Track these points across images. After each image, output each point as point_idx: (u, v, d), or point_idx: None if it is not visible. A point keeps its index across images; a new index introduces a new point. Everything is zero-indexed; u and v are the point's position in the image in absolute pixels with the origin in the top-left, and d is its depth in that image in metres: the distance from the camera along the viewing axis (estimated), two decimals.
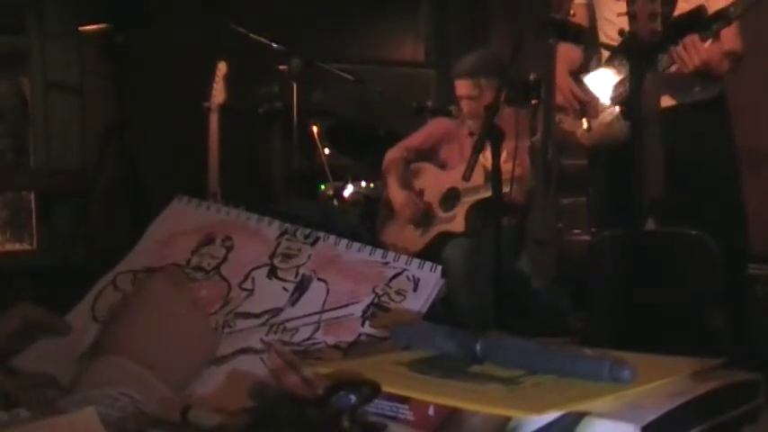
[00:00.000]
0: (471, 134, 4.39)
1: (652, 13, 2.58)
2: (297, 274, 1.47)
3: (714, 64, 3.11)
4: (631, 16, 2.60)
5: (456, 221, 4.43)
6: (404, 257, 1.50)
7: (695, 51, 3.04)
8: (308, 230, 1.54)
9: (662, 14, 2.99)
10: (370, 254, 1.50)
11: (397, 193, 4.66)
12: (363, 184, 5.27)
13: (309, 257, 1.50)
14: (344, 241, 1.53)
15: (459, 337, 1.08)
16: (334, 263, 1.49)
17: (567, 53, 3.53)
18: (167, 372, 1.08)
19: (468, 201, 4.37)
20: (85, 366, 1.09)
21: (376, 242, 4.64)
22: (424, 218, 4.58)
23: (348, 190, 5.25)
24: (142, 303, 1.18)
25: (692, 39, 3.03)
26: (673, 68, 3.18)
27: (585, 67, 3.62)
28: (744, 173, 3.63)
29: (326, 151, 5.35)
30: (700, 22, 2.75)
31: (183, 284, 1.29)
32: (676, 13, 3.07)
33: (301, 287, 1.45)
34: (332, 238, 1.53)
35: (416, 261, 1.49)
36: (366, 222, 5.05)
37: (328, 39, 6.17)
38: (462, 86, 4.45)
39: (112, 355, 1.08)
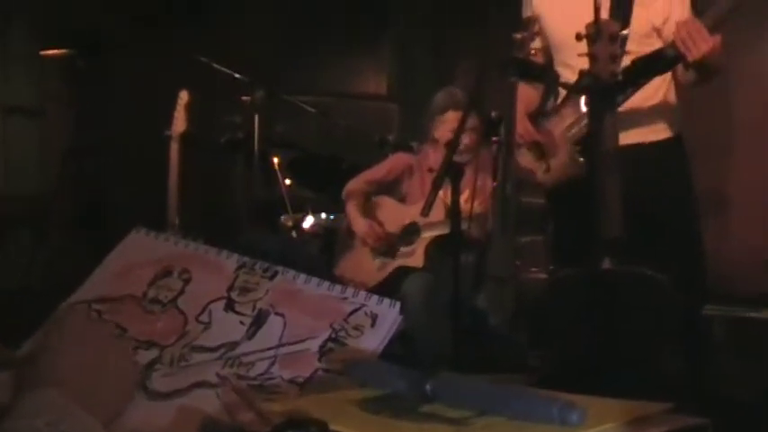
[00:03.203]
0: (431, 170, 4.40)
1: (612, 55, 2.61)
2: (254, 308, 1.47)
3: (716, 56, 3.09)
4: (592, 57, 2.62)
5: (415, 256, 4.43)
6: (362, 293, 1.50)
7: (702, 39, 3.00)
8: (266, 264, 1.54)
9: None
10: (329, 289, 1.50)
11: (359, 222, 4.66)
12: (324, 216, 5.26)
13: (267, 292, 1.49)
14: (303, 276, 1.53)
15: (412, 376, 1.08)
16: (293, 297, 1.48)
17: (524, 94, 3.55)
18: (93, 403, 1.08)
19: (427, 236, 4.38)
20: (17, 398, 1.09)
21: (334, 275, 4.65)
22: (387, 247, 4.58)
23: (308, 222, 5.24)
24: (65, 336, 1.18)
25: (697, 26, 3.02)
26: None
27: (543, 108, 3.65)
28: (702, 214, 3.66)
29: (288, 182, 5.34)
30: (660, 64, 2.78)
31: (103, 320, 1.29)
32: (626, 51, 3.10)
33: (258, 321, 1.45)
34: (290, 272, 1.53)
35: (375, 297, 1.49)
36: (325, 254, 5.04)
37: (292, 71, 6.19)
38: (453, 120, 4.41)
39: (40, 387, 1.08)
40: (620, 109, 3.19)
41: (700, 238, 3.54)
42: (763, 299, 4.83)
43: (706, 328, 4.45)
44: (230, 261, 1.55)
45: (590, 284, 2.70)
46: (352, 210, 4.72)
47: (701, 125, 4.47)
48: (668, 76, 3.37)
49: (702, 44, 3.00)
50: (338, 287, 1.50)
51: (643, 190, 3.24)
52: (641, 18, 3.35)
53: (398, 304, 1.48)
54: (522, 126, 3.54)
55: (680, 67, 3.16)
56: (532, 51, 3.15)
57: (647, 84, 3.25)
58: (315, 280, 1.52)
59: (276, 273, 1.53)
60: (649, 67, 2.87)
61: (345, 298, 1.48)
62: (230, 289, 1.50)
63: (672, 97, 3.49)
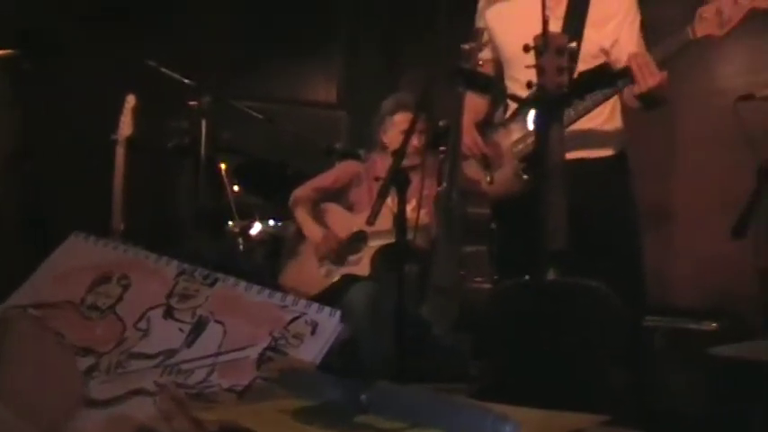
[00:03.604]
0: (377, 179, 4.41)
1: (559, 68, 2.62)
2: (194, 315, 1.46)
3: (663, 89, 3.16)
4: (539, 69, 2.63)
5: (361, 264, 4.44)
6: (303, 301, 1.49)
7: (650, 73, 3.07)
8: (206, 271, 1.53)
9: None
10: (269, 296, 1.49)
11: (314, 229, 4.66)
12: (271, 222, 5.24)
13: (207, 299, 1.48)
14: (244, 283, 1.52)
15: (347, 386, 1.08)
16: (233, 305, 1.47)
17: (473, 104, 3.57)
18: (36, 415, 1.06)
19: (374, 244, 4.38)
20: None
21: (278, 283, 4.64)
22: (338, 256, 4.58)
23: (255, 228, 5.22)
24: (7, 347, 1.16)
25: (647, 60, 3.08)
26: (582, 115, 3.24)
27: (491, 119, 3.67)
28: (644, 227, 3.70)
29: (236, 188, 5.32)
30: (605, 77, 2.81)
31: (46, 327, 1.27)
32: (579, 68, 3.15)
33: (198, 329, 1.44)
34: (231, 279, 1.52)
35: (315, 305, 1.48)
36: (272, 261, 5.02)
37: (241, 76, 6.16)
38: (404, 121, 4.45)
39: None
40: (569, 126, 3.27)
41: (641, 251, 3.58)
42: (704, 311, 4.90)
43: (647, 340, 4.50)
44: (170, 267, 1.54)
45: (534, 295, 2.71)
46: (304, 216, 4.71)
47: (647, 142, 4.52)
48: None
49: (650, 78, 3.07)
50: (279, 295, 1.50)
51: (587, 204, 3.27)
52: (591, 39, 3.40)
53: (338, 313, 1.48)
54: (470, 136, 3.56)
55: (627, 90, 3.20)
56: (480, 62, 3.16)
57: (602, 102, 3.30)
58: (255, 287, 1.51)
59: (216, 280, 1.52)
60: (595, 80, 2.89)
61: (286, 306, 1.48)
62: (170, 296, 1.49)
63: (617, 116, 3.54)
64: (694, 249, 5.24)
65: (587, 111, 3.29)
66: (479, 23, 3.64)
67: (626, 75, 2.92)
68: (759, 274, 3.27)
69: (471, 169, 3.57)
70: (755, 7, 2.99)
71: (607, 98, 3.28)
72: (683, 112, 5.21)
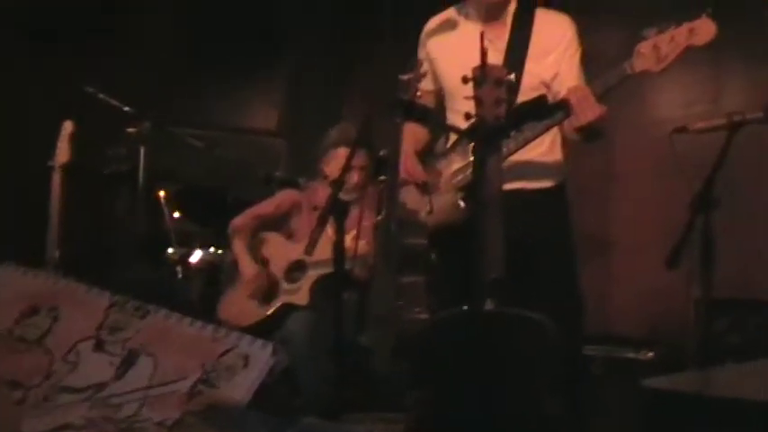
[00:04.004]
0: (316, 208, 4.40)
1: (498, 99, 2.64)
2: (124, 348, 1.44)
3: (605, 121, 3.20)
4: (477, 100, 2.65)
5: (300, 294, 4.41)
6: (235, 333, 1.48)
7: (589, 107, 3.12)
8: (138, 303, 1.51)
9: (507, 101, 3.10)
10: (202, 328, 1.48)
11: (247, 265, 4.62)
12: (212, 250, 5.20)
13: (139, 331, 1.47)
14: (176, 315, 1.50)
15: (274, 423, 1.07)
16: (164, 337, 1.46)
17: (414, 132, 3.59)
18: None
19: (313, 274, 4.36)
20: None
21: (215, 312, 4.60)
22: (267, 293, 4.55)
23: (196, 256, 5.18)
24: None
25: (586, 94, 3.13)
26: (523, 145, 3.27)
27: (433, 147, 3.69)
28: (582, 257, 3.73)
29: (176, 215, 5.28)
30: (542, 109, 2.83)
31: None
32: (520, 100, 3.18)
33: (128, 361, 1.42)
34: (163, 311, 1.50)
35: (248, 338, 1.47)
36: (211, 289, 4.98)
37: (182, 103, 6.12)
38: (345, 156, 4.42)
39: None
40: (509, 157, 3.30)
41: (578, 281, 3.61)
42: (641, 339, 4.94)
43: (586, 369, 4.53)
44: (101, 299, 1.52)
45: (471, 325, 2.71)
46: (240, 249, 4.68)
47: (587, 172, 4.57)
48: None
49: (590, 111, 3.13)
50: (211, 327, 1.48)
51: (525, 234, 3.30)
52: (531, 72, 3.45)
53: (271, 345, 1.47)
54: (411, 164, 3.57)
55: (567, 122, 3.24)
56: (419, 93, 3.18)
57: (541, 133, 3.33)
58: (187, 319, 1.49)
59: (148, 311, 1.50)
60: (532, 112, 2.92)
61: (218, 338, 1.46)
62: (100, 327, 1.47)
63: (557, 148, 3.58)
64: (633, 279, 5.29)
65: (527, 142, 3.32)
66: (421, 54, 3.67)
67: (562, 107, 2.95)
68: (693, 303, 3.31)
69: (411, 199, 3.58)
70: (691, 45, 3.05)
71: (547, 129, 3.31)
72: (622, 142, 5.28)
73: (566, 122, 3.26)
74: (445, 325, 2.97)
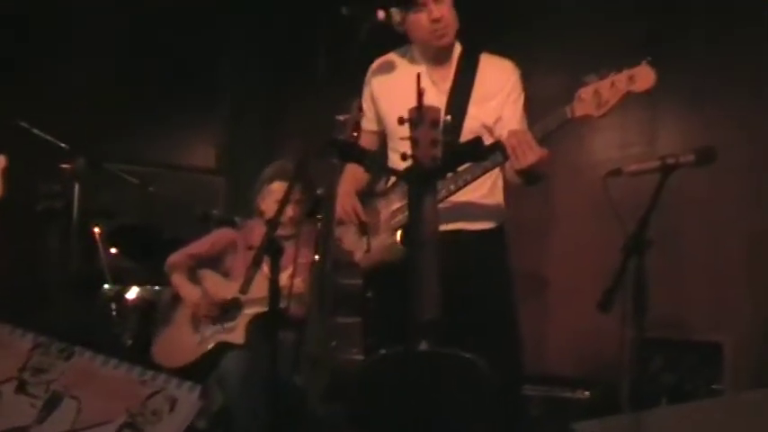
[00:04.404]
0: (250, 248, 4.38)
1: (434, 140, 2.66)
2: (47, 390, 1.41)
3: (546, 164, 3.22)
4: (413, 141, 2.66)
5: (236, 332, 4.36)
6: (162, 376, 1.46)
7: (530, 150, 3.14)
8: (63, 344, 1.48)
9: (445, 142, 3.12)
10: (128, 371, 1.45)
11: (191, 290, 4.58)
12: (149, 287, 5.15)
13: (63, 373, 1.44)
14: (101, 357, 1.47)
15: None
16: (90, 379, 1.43)
17: (355, 172, 3.59)
18: None
19: (249, 313, 4.32)
20: None
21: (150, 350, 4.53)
22: (216, 318, 4.50)
23: (132, 293, 5.12)
24: None
25: (527, 138, 3.14)
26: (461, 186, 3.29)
27: (372, 187, 3.69)
28: (521, 297, 3.74)
29: (113, 251, 5.22)
30: (478, 151, 2.85)
31: None
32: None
33: (51, 404, 1.39)
34: (88, 353, 1.48)
35: (175, 380, 1.45)
36: (146, 327, 4.92)
37: (120, 139, 6.07)
38: (280, 190, 4.44)
39: None
40: (449, 198, 3.32)
41: (516, 322, 3.62)
42: (578, 379, 4.97)
43: (525, 409, 4.53)
44: (24, 340, 1.49)
45: (406, 366, 2.70)
46: (181, 279, 4.63)
47: (525, 213, 4.60)
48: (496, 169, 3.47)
49: (531, 155, 3.15)
50: (137, 369, 1.46)
51: (463, 275, 3.31)
52: (474, 115, 3.48)
53: (199, 388, 1.45)
54: (349, 203, 3.57)
55: (508, 165, 3.26)
56: (355, 133, 3.18)
57: (480, 175, 3.35)
58: (113, 361, 1.47)
59: (73, 353, 1.47)
60: (468, 153, 2.93)
61: (144, 381, 1.44)
62: (22, 369, 1.43)
63: (498, 190, 3.60)
64: (570, 319, 5.33)
65: (466, 184, 3.34)
66: (366, 94, 3.68)
67: (497, 149, 2.97)
68: (627, 344, 3.33)
69: (349, 238, 3.57)
70: (631, 91, 3.09)
71: (485, 172, 3.33)
72: (560, 184, 5.34)
73: (507, 165, 3.28)
74: (380, 365, 2.96)
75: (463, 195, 3.39)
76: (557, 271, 5.57)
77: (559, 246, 5.61)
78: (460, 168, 3.28)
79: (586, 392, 4.87)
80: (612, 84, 3.11)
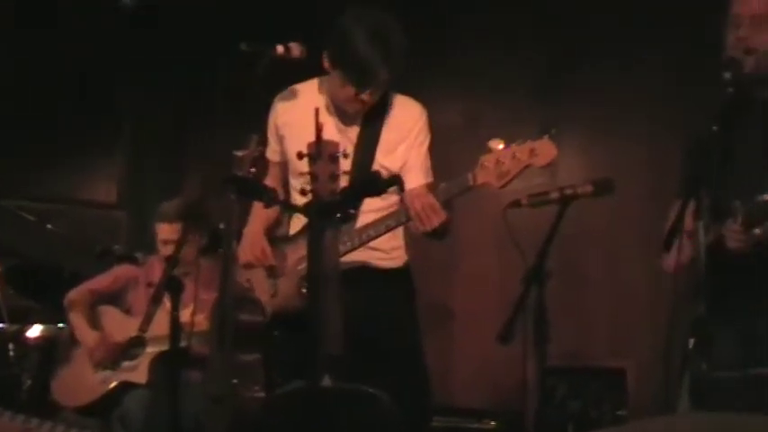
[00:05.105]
0: (150, 285, 4.33)
1: (332, 175, 2.65)
2: None
3: (449, 223, 3.27)
4: (313, 176, 2.65)
5: (139, 371, 4.30)
6: (48, 424, 1.42)
7: (434, 213, 3.20)
8: None
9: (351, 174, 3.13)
10: (11, 419, 1.41)
11: (88, 334, 4.49)
12: (51, 325, 5.04)
13: None
14: None
15: None
16: None
17: (263, 210, 3.57)
18: None
19: (152, 351, 4.26)
20: None
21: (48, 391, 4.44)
22: (114, 362, 4.42)
23: (34, 331, 5.00)
24: None
25: (431, 201, 3.20)
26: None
27: (280, 229, 3.67)
28: (427, 329, 3.75)
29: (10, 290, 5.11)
30: (375, 186, 2.85)
31: None
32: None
33: None
34: None
35: (61, 427, 1.41)
36: (47, 367, 4.81)
37: (18, 174, 5.96)
38: (166, 230, 4.40)
39: None
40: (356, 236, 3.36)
41: (422, 356, 3.63)
42: (483, 410, 5.00)
43: None
44: None
45: (309, 402, 2.68)
46: (79, 320, 4.55)
47: (429, 246, 4.62)
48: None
49: (434, 219, 3.23)
50: (21, 418, 1.42)
51: (369, 310, 3.33)
52: (379, 161, 3.50)
53: None
54: (258, 246, 3.55)
55: (412, 225, 3.31)
56: (252, 169, 3.15)
57: (386, 232, 3.40)
58: None
59: None
60: (367, 187, 2.93)
61: (29, 429, 1.40)
62: None
63: (400, 231, 3.60)
64: (475, 350, 5.36)
65: (370, 239, 3.40)
66: (270, 125, 3.67)
67: (396, 183, 2.98)
68: (531, 374, 3.36)
69: (258, 279, 3.54)
70: (531, 165, 3.15)
71: (389, 230, 3.41)
72: (465, 215, 5.37)
73: (410, 224, 3.33)
74: (283, 402, 2.94)
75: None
76: (462, 302, 5.61)
77: (464, 277, 5.66)
78: (365, 224, 3.33)
79: (492, 422, 4.90)
80: (514, 155, 3.17)
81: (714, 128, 2.82)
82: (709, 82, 3.01)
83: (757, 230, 2.83)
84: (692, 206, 2.74)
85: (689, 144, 3.27)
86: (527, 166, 3.16)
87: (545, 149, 3.15)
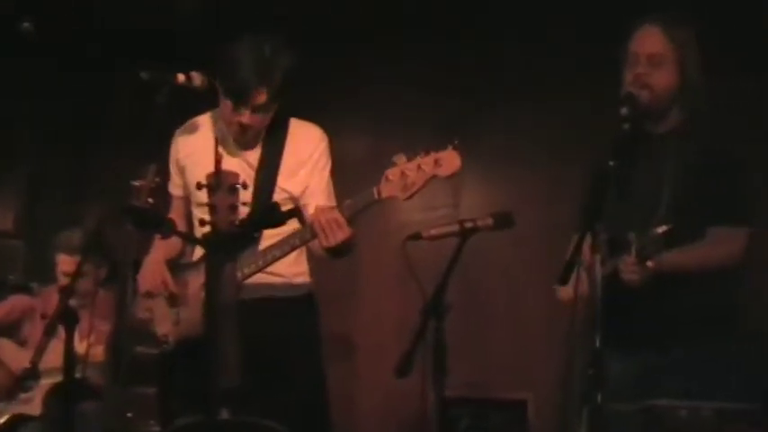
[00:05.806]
0: (44, 317, 4.26)
1: (231, 205, 2.63)
2: None
3: (353, 240, 3.26)
4: (211, 207, 2.63)
5: (33, 404, 4.22)
6: None
7: (339, 229, 3.18)
8: None
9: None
10: None
11: None
12: None
13: None
14: None
15: None
16: None
17: (167, 240, 3.52)
18: None
19: (46, 383, 4.18)
20: None
21: None
22: (9, 394, 4.33)
23: None
24: None
25: (335, 216, 3.17)
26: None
27: (183, 257, 3.63)
28: (330, 360, 3.73)
29: None
30: (275, 216, 2.84)
31: None
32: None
33: None
34: None
35: None
36: None
37: None
38: (66, 263, 4.35)
39: None
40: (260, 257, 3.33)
41: (324, 387, 3.62)
42: None
43: None
44: None
45: None
46: None
47: (333, 276, 4.61)
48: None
49: (340, 234, 3.21)
50: None
51: (270, 342, 3.31)
52: (281, 186, 3.50)
53: None
54: (159, 274, 3.50)
55: (316, 241, 3.28)
56: (150, 200, 3.11)
57: (290, 252, 3.38)
58: None
59: None
60: (266, 218, 2.92)
61: None
62: None
63: (303, 258, 3.62)
64: (377, 381, 5.35)
65: (275, 259, 3.35)
66: (172, 157, 3.65)
67: (295, 215, 2.99)
68: (431, 405, 3.37)
69: (158, 310, 3.49)
70: (437, 175, 3.16)
71: (294, 249, 3.37)
72: (368, 246, 5.37)
73: (314, 241, 3.30)
74: None
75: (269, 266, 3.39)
76: (364, 334, 5.61)
77: (366, 308, 5.66)
78: (269, 244, 3.31)
79: None
80: (419, 167, 3.17)
81: (610, 162, 2.88)
82: (609, 119, 3.09)
83: (650, 263, 2.89)
84: (588, 239, 2.79)
85: (586, 178, 3.34)
86: (432, 177, 3.17)
87: (449, 160, 3.16)
